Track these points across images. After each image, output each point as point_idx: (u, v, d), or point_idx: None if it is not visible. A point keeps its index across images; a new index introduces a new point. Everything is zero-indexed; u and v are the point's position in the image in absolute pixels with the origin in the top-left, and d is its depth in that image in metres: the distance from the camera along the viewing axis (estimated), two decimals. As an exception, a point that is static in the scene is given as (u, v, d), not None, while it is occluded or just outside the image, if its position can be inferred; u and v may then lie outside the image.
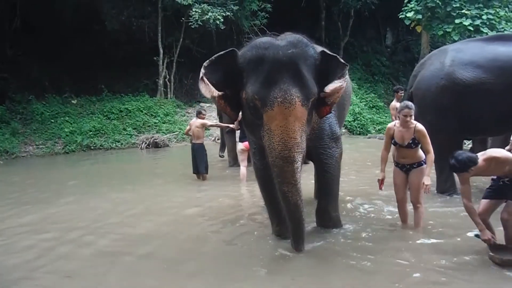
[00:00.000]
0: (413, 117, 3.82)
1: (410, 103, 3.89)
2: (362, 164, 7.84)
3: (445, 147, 4.43)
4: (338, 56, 3.33)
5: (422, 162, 3.83)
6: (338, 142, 3.86)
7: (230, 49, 3.25)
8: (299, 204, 3.08)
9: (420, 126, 3.79)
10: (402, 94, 7.49)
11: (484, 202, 3.35)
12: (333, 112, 3.78)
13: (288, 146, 2.92)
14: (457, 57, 5.00)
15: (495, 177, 3.31)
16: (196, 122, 6.97)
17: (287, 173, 2.97)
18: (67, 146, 12.23)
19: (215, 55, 3.24)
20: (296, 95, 2.91)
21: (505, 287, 2.87)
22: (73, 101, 14.14)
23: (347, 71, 3.28)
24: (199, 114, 7.00)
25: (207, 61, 3.21)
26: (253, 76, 3.04)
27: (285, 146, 2.93)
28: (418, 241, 3.69)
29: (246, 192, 6.02)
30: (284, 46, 3.02)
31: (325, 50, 3.36)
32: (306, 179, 5.19)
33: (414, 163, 3.86)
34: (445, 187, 5.19)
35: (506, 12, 12.74)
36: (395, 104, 7.30)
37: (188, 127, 7.27)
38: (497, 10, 12.27)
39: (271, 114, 2.94)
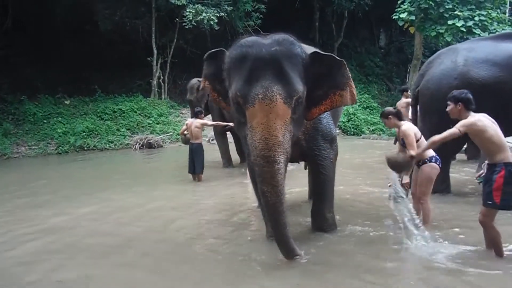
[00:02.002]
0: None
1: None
2: (358, 164, 7.86)
3: (446, 149, 4.39)
4: (332, 55, 3.28)
5: (426, 160, 3.95)
6: (333, 143, 3.85)
7: (219, 49, 3.36)
8: (278, 207, 2.92)
9: (403, 127, 3.89)
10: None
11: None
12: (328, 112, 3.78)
13: (268, 144, 2.83)
14: (470, 56, 4.89)
15: None
16: (195, 122, 6.98)
17: (266, 173, 2.86)
18: (60, 147, 12.15)
19: (209, 52, 3.45)
20: (277, 92, 2.84)
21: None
22: (66, 102, 14.05)
23: (348, 72, 3.24)
24: (199, 114, 7.01)
25: (205, 55, 3.44)
26: (238, 74, 3.02)
27: (265, 144, 2.83)
28: (420, 240, 3.67)
29: (240, 193, 6.00)
30: (268, 44, 2.99)
31: (318, 50, 3.31)
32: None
33: (420, 160, 3.96)
34: (440, 187, 5.19)
35: (498, 13, 12.86)
36: (405, 102, 7.42)
37: (184, 127, 7.26)
38: (489, 11, 12.37)
39: (252, 111, 2.89)
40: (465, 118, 3.19)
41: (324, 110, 3.32)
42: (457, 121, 3.30)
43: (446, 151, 4.84)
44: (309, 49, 3.36)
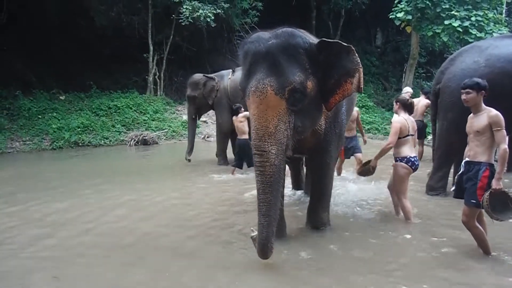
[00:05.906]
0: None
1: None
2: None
3: (456, 148, 4.31)
4: (339, 41, 3.19)
5: (398, 159, 4.11)
6: (340, 141, 3.93)
7: None
8: (267, 198, 2.87)
9: (393, 118, 4.18)
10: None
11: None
12: (344, 105, 3.77)
13: (259, 134, 2.88)
14: (493, 54, 4.83)
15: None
16: (239, 118, 6.88)
17: (257, 163, 2.90)
18: (55, 143, 12.06)
19: None
20: (269, 84, 2.87)
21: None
22: (61, 97, 13.96)
23: (357, 58, 3.14)
24: (239, 110, 6.87)
25: None
26: (243, 70, 3.16)
27: (257, 135, 2.89)
28: (408, 236, 3.73)
29: (236, 188, 5.99)
30: (267, 39, 3.04)
31: (325, 39, 3.22)
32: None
33: (397, 157, 4.17)
34: (436, 185, 5.20)
35: (494, 14, 12.89)
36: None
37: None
38: (486, 12, 12.40)
39: (248, 104, 3.01)
40: (481, 107, 3.15)
41: (339, 99, 3.24)
42: (467, 115, 3.26)
43: (455, 151, 4.81)
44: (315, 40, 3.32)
